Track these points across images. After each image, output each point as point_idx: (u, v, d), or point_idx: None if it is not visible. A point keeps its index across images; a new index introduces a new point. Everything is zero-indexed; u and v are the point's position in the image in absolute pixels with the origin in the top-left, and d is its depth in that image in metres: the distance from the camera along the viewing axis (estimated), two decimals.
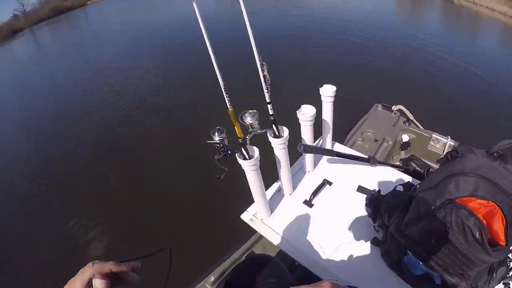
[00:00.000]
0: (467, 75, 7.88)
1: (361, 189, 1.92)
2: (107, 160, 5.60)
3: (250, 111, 1.37)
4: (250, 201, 1.81)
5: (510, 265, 1.12)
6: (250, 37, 1.21)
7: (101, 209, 4.56)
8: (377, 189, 1.70)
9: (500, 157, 1.09)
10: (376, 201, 1.58)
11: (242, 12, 1.18)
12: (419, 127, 3.32)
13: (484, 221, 0.99)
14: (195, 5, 1.07)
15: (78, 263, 0.56)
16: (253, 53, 1.21)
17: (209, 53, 1.14)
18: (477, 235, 0.95)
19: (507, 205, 0.98)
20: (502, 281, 1.15)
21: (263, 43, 8.89)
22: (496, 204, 0.99)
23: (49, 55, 17.51)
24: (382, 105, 3.59)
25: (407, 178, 1.99)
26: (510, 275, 1.13)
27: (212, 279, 1.89)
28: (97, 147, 6.08)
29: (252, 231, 1.97)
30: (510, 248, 1.00)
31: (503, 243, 0.97)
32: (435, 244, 1.07)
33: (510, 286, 1.18)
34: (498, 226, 0.98)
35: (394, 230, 1.31)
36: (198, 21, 1.09)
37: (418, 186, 1.36)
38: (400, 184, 1.67)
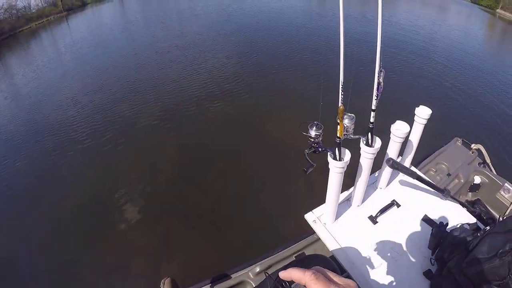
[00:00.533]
0: None
1: (428, 219, 1.87)
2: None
3: (349, 114, 1.39)
4: (314, 202, 1.82)
5: None
6: (378, 41, 1.22)
7: None
8: (445, 223, 1.66)
9: None
10: (442, 234, 1.55)
11: (377, 18, 1.20)
12: (492, 171, 3.18)
13: None
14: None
15: None
16: (376, 57, 1.22)
17: (340, 50, 1.18)
18: None
19: None
20: None
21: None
22: None
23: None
24: (462, 141, 3.49)
25: (474, 220, 1.92)
26: None
27: (258, 269, 1.95)
28: None
29: (306, 233, 1.98)
30: None
31: None
32: (494, 287, 1.06)
33: None
34: None
35: (454, 266, 1.29)
36: (339, 19, 1.13)
37: (487, 229, 1.33)
38: (467, 223, 1.61)
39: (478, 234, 1.32)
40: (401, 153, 2.09)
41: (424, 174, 2.87)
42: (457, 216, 1.94)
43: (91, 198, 4.80)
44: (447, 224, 1.63)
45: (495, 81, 9.76)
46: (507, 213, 2.60)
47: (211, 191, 4.61)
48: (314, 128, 1.37)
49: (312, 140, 1.39)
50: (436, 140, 3.65)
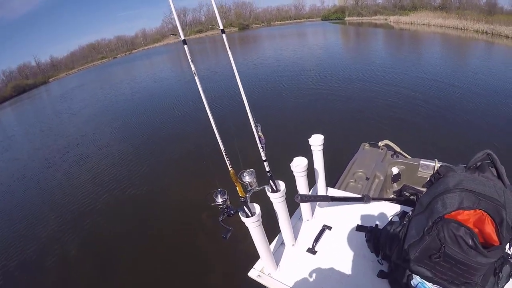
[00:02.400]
0: (436, 92, 9.05)
1: (360, 227, 1.99)
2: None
3: (248, 170, 1.47)
4: (255, 258, 1.83)
5: None
6: (244, 100, 1.35)
7: None
8: (374, 225, 1.78)
9: (478, 168, 1.22)
10: (375, 235, 1.66)
11: (235, 77, 1.34)
12: (407, 157, 3.50)
13: (476, 229, 1.10)
14: (196, 79, 1.22)
15: None
16: (248, 115, 1.33)
17: (209, 119, 1.27)
18: (470, 242, 1.06)
19: (493, 209, 1.09)
20: (511, 278, 1.22)
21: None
22: (483, 210, 1.10)
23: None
24: (368, 143, 3.82)
25: (402, 208, 2.09)
26: None
27: None
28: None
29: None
30: (507, 247, 1.10)
31: (497, 243, 1.07)
32: (435, 261, 1.15)
33: None
34: (490, 229, 1.09)
35: (397, 258, 1.38)
36: (199, 91, 1.25)
37: (410, 214, 1.46)
38: (395, 215, 1.77)
39: (405, 222, 1.43)
40: (314, 180, 2.25)
41: (346, 187, 3.08)
42: (385, 212, 2.09)
43: None
44: (377, 225, 1.74)
45: (363, 77, 11.56)
46: None
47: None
48: (219, 195, 1.40)
49: (222, 206, 1.42)
50: (347, 152, 3.94)
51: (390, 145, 3.67)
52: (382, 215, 2.07)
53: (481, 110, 7.48)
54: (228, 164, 1.37)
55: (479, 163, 1.24)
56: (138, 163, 7.80)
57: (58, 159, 9.93)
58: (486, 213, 1.10)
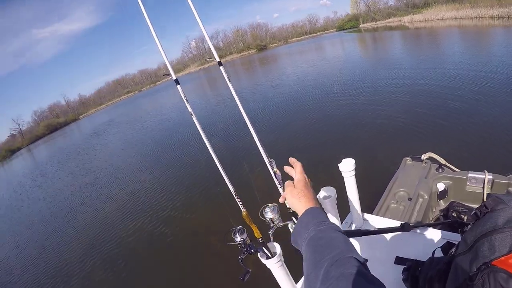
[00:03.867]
0: (480, 92, 8.20)
1: (399, 260, 1.82)
2: None
3: (270, 205, 1.39)
4: None
5: None
6: (254, 135, 1.32)
7: None
8: (414, 258, 1.63)
9: None
10: (413, 274, 1.50)
11: (240, 112, 1.33)
12: (454, 171, 3.23)
13: None
14: (194, 119, 1.22)
15: None
16: (260, 151, 1.31)
17: (214, 160, 1.28)
18: None
19: None
20: None
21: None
22: None
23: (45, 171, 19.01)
24: (410, 158, 3.54)
25: (448, 236, 1.90)
26: None
27: None
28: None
29: None
30: None
31: None
32: None
33: None
34: None
35: None
36: (199, 132, 1.25)
37: (452, 252, 1.28)
38: (439, 247, 1.58)
39: (446, 260, 1.29)
40: (347, 210, 2.13)
41: (386, 210, 2.88)
42: (428, 241, 1.93)
43: None
44: (416, 260, 1.58)
45: (390, 85, 10.98)
46: (484, 199, 2.59)
47: None
48: (237, 234, 1.37)
49: (241, 245, 1.38)
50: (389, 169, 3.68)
51: (434, 158, 3.37)
52: (424, 245, 1.89)
53: None
54: (240, 205, 1.34)
55: None
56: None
57: (89, 193, 10.53)
58: None
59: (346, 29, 53.46)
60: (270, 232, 1.41)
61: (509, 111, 6.86)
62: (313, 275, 0.65)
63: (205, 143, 1.28)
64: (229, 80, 1.34)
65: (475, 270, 0.99)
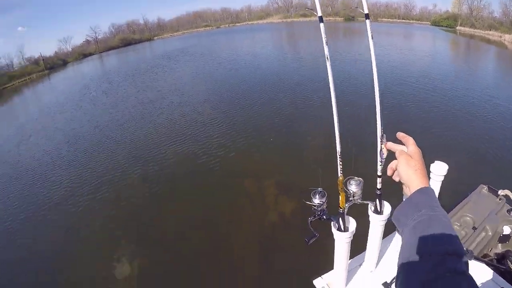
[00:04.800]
0: None
1: None
2: None
3: (356, 178, 1.37)
4: (327, 265, 1.75)
5: None
6: (377, 105, 1.25)
7: None
8: None
9: None
10: None
11: (373, 79, 1.25)
12: None
13: None
14: (328, 65, 1.17)
15: None
16: (376, 121, 1.24)
17: (332, 115, 1.22)
18: None
19: None
20: None
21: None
22: None
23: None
24: (488, 187, 3.38)
25: (499, 282, 1.84)
26: None
27: None
28: None
29: None
30: None
31: None
32: None
33: None
34: None
35: None
36: (329, 78, 1.19)
37: None
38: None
39: None
40: None
41: None
42: (482, 278, 1.87)
43: None
44: None
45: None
46: None
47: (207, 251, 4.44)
48: (318, 196, 1.35)
49: (316, 208, 1.37)
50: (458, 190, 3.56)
51: (510, 197, 3.18)
52: (479, 281, 1.82)
53: None
54: (339, 170, 1.29)
55: None
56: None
57: (149, 109, 11.18)
58: None
59: (442, 26, 49.04)
60: (347, 205, 1.39)
61: None
62: (417, 261, 0.62)
63: (330, 92, 1.23)
64: (372, 37, 1.24)
65: None
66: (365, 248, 1.79)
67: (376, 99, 1.26)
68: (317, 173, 1.42)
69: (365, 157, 1.64)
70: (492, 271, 1.94)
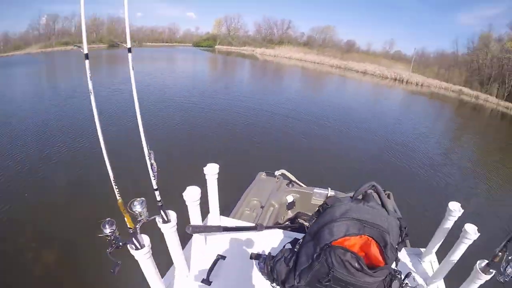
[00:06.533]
0: (329, 124, 11.40)
1: (254, 256, 2.09)
2: None
3: (138, 199, 1.46)
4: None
5: (401, 277, 1.38)
6: (139, 124, 1.39)
7: None
8: (268, 252, 1.93)
9: (364, 198, 1.40)
10: (269, 263, 1.75)
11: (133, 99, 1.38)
12: (301, 186, 3.84)
13: (363, 252, 1.27)
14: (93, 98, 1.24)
15: None
16: (141, 141, 1.37)
17: (99, 142, 1.28)
18: (356, 265, 1.22)
19: (377, 234, 1.28)
20: None
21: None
22: (368, 236, 1.28)
23: None
24: (265, 173, 4.07)
25: (294, 235, 2.29)
26: (404, 284, 1.41)
27: None
28: None
29: None
30: (394, 265, 1.31)
31: (383, 264, 1.25)
32: (326, 284, 1.28)
33: None
34: (375, 252, 1.27)
35: (290, 284, 1.50)
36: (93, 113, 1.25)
37: (300, 241, 1.58)
38: (288, 242, 1.86)
39: (295, 250, 1.55)
40: (209, 210, 2.33)
41: (241, 215, 3.23)
42: (279, 240, 2.28)
43: None
44: (270, 253, 1.83)
45: (256, 106, 12.89)
46: None
47: None
48: (107, 225, 1.37)
49: (110, 237, 1.39)
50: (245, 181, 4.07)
51: (286, 175, 3.96)
52: (275, 243, 2.26)
53: (370, 143, 9.56)
54: (116, 193, 1.36)
55: (364, 194, 1.41)
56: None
57: None
58: (371, 238, 1.28)
59: (202, 46, 56.75)
60: (138, 226, 1.48)
61: (350, 142, 9.77)
62: None
63: (96, 124, 1.28)
64: (132, 68, 1.37)
65: (319, 251, 1.31)
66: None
67: (139, 123, 1.41)
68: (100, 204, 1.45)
69: (141, 176, 1.78)
70: (286, 231, 2.39)
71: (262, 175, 4.05)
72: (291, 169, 4.15)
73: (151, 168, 1.41)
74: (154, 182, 1.47)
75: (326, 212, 1.41)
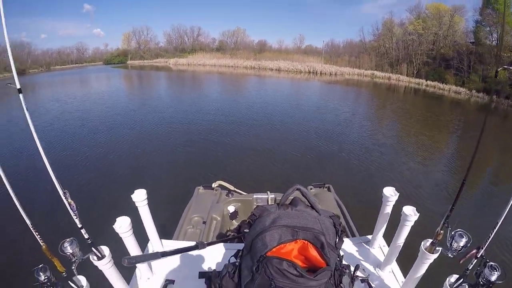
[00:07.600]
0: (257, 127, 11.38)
1: (201, 274, 2.07)
2: None
3: (68, 239, 1.41)
4: None
5: (351, 271, 1.43)
6: (46, 163, 1.34)
7: None
8: (213, 269, 1.91)
9: (291, 203, 1.41)
10: (216, 282, 1.69)
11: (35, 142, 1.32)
12: (241, 194, 3.83)
13: (302, 256, 1.28)
14: None
15: None
16: (53, 181, 1.33)
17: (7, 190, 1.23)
18: (295, 272, 1.21)
19: (311, 236, 1.28)
20: (353, 282, 1.46)
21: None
22: (303, 239, 1.27)
23: None
24: (202, 187, 3.98)
25: (239, 246, 2.25)
26: (355, 277, 1.48)
27: None
28: None
29: None
30: (338, 262, 1.33)
31: (324, 264, 1.25)
32: None
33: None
34: (314, 254, 1.27)
35: None
36: None
37: (239, 254, 1.54)
38: (232, 256, 1.77)
39: (237, 263, 1.52)
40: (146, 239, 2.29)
41: (184, 235, 3.16)
42: (223, 254, 2.30)
43: None
44: (215, 270, 1.78)
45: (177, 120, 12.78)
46: None
47: None
48: (41, 273, 1.31)
49: (47, 284, 1.32)
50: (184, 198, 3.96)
51: (224, 185, 3.90)
52: (221, 257, 2.27)
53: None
54: (38, 239, 1.32)
55: (291, 199, 1.41)
56: None
57: None
58: (306, 241, 1.28)
59: (114, 63, 54.81)
60: (73, 267, 1.44)
61: (281, 139, 9.97)
62: None
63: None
64: (27, 109, 1.31)
65: (256, 263, 1.29)
66: None
67: (46, 164, 1.36)
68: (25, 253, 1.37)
69: (64, 217, 1.72)
70: (230, 243, 2.39)
71: (200, 189, 3.97)
72: (228, 178, 4.15)
73: (70, 208, 1.37)
74: (77, 221, 1.43)
75: (256, 223, 1.41)
